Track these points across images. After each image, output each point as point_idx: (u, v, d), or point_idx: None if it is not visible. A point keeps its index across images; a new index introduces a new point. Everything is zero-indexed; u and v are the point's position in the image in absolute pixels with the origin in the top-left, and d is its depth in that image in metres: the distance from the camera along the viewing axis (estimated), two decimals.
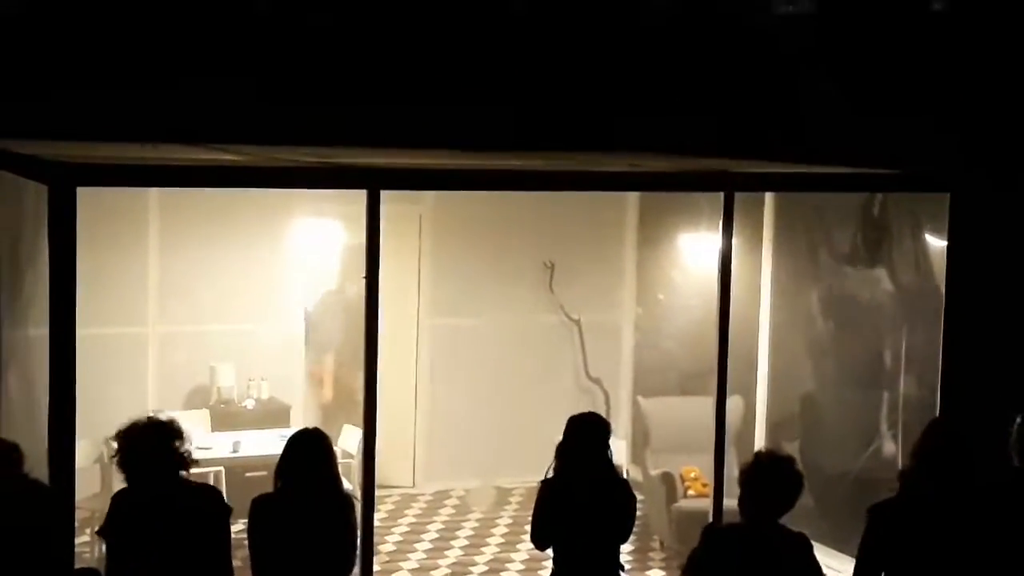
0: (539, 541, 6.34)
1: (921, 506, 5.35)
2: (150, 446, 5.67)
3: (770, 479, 5.24)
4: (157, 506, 5.64)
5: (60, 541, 5.84)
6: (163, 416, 5.88)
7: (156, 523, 5.61)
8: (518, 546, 9.75)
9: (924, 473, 5.38)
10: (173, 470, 5.72)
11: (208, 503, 5.78)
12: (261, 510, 5.86)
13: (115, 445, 5.74)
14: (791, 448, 10.19)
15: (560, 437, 6.60)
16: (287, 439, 6.04)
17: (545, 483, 6.35)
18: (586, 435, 6.33)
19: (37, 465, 6.43)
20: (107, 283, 9.63)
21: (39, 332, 6.90)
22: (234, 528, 9.15)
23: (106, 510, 5.86)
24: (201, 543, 5.69)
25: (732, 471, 9.53)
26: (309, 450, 5.92)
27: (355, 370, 9.46)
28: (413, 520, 10.43)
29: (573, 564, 6.31)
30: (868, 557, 5.40)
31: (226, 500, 5.95)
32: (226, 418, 10.25)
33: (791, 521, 5.37)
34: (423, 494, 10.70)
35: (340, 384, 10.67)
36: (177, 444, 5.72)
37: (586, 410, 6.59)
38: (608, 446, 6.42)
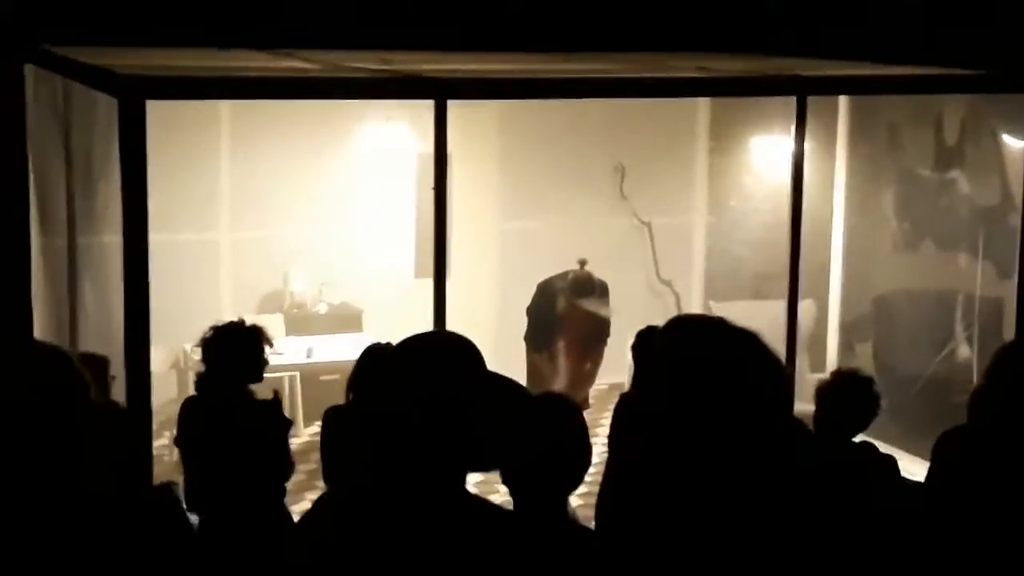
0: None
1: (991, 438, 5.04)
2: (244, 348, 5.77)
3: (849, 400, 5.21)
4: (221, 418, 5.74)
5: (137, 463, 5.97)
6: (251, 322, 5.99)
7: (220, 435, 5.72)
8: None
9: (994, 403, 5.04)
10: (251, 378, 5.82)
11: (269, 418, 5.87)
12: (333, 422, 5.93)
13: (201, 344, 5.84)
14: (863, 349, 10.17)
15: (630, 339, 6.62)
16: (361, 353, 6.08)
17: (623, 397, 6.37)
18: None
19: (114, 372, 6.57)
20: (180, 189, 9.70)
21: (113, 239, 6.98)
22: (308, 431, 9.32)
23: None
24: (262, 455, 5.80)
25: (804, 375, 9.56)
26: (382, 366, 5.95)
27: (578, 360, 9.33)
28: None
29: None
30: (936, 490, 5.19)
31: (286, 414, 6.05)
32: (299, 323, 10.36)
33: None
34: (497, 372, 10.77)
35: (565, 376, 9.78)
36: (265, 352, 5.83)
37: (658, 313, 6.59)
38: None
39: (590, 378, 9.61)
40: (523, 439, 3.47)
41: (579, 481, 3.66)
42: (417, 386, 2.96)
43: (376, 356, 6.00)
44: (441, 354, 3.05)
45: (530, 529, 3.45)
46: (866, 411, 5.30)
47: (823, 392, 5.33)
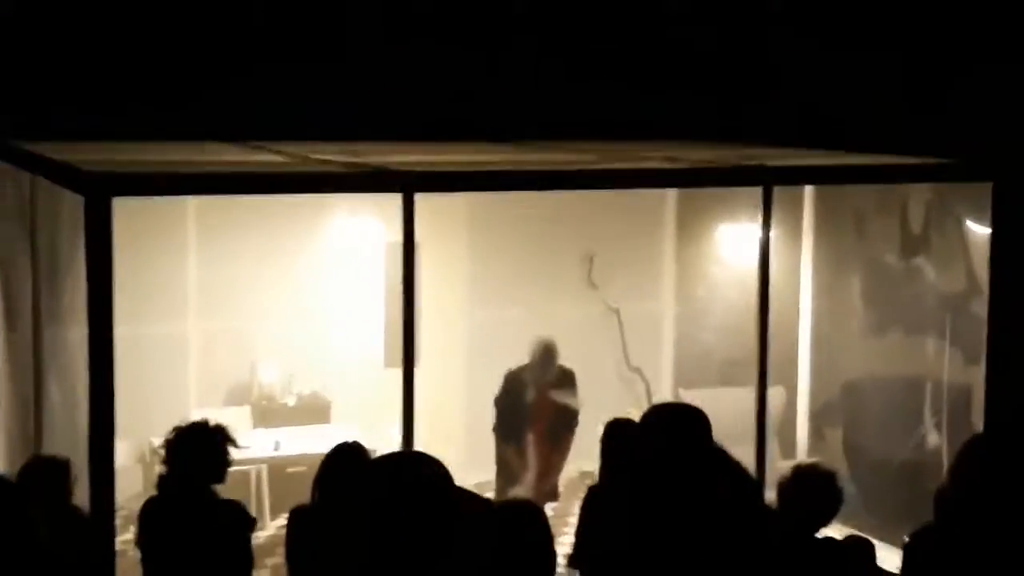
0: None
1: (961, 536, 4.87)
2: (206, 450, 5.70)
3: (811, 496, 5.18)
4: (183, 519, 5.67)
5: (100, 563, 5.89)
6: (215, 422, 5.92)
7: (181, 536, 5.64)
8: (560, 539, 9.70)
9: (963, 501, 4.82)
10: (213, 479, 5.75)
11: (231, 517, 5.79)
12: (299, 523, 5.86)
13: (164, 445, 5.77)
14: (833, 435, 10.16)
15: (600, 427, 6.60)
16: (327, 452, 6.02)
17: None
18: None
19: (79, 467, 6.49)
20: (147, 281, 9.65)
21: (79, 333, 6.94)
22: (275, 524, 9.21)
23: None
24: (224, 555, 5.71)
25: (775, 462, 9.53)
26: (348, 465, 5.91)
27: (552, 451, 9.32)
28: None
29: None
30: None
31: (253, 507, 5.96)
32: (267, 414, 10.29)
33: None
34: (463, 486, 10.70)
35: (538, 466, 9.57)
36: (229, 452, 5.75)
37: (628, 400, 6.55)
38: None
39: (558, 468, 9.56)
40: (488, 550, 3.49)
41: None
42: (384, 509, 2.98)
43: (343, 456, 5.95)
44: (412, 474, 3.09)
45: None
46: (828, 507, 5.27)
47: (784, 489, 5.30)
